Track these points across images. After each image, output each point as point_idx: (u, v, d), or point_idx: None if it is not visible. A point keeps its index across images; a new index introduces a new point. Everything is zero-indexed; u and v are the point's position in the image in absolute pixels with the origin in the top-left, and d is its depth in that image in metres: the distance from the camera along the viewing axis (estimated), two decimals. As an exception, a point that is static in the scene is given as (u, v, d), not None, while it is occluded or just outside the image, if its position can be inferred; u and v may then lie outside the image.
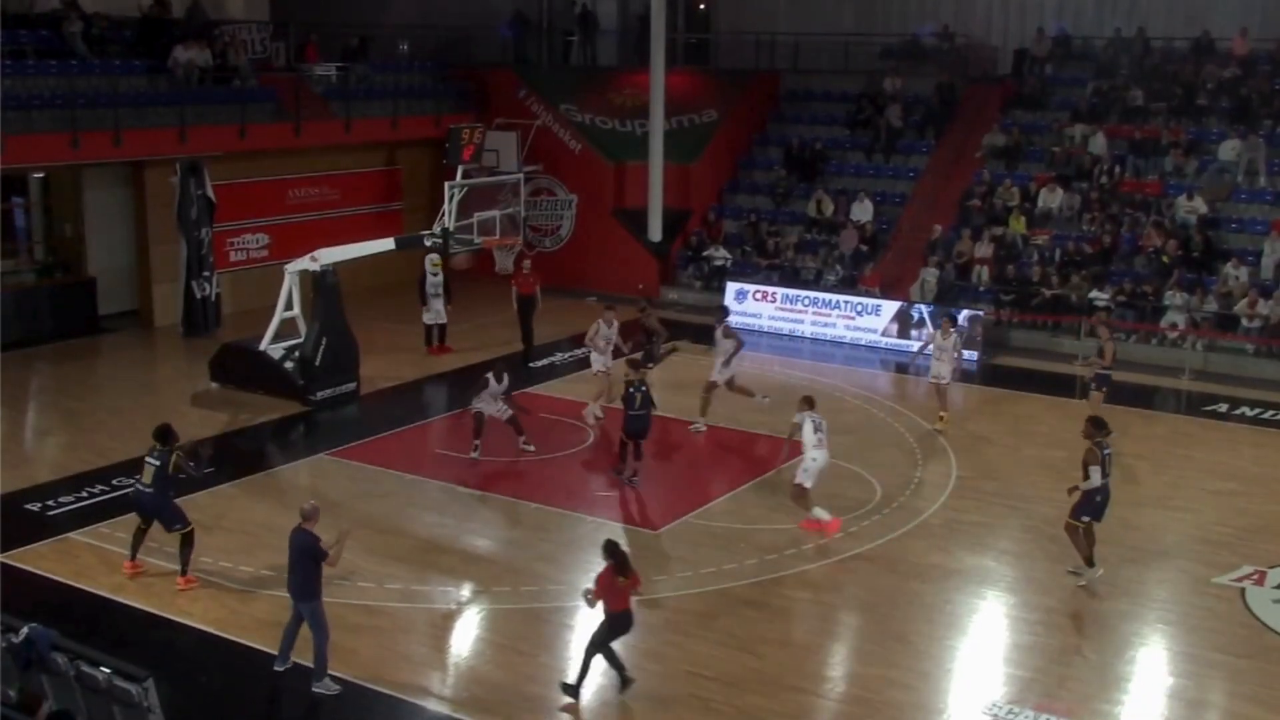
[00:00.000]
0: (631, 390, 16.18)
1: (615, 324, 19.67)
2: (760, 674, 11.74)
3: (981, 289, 25.04)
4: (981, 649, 12.46)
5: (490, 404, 17.24)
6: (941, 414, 19.15)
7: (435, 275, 22.56)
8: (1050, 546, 14.79)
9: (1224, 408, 20.55)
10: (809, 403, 15.20)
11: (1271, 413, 20.24)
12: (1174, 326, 22.98)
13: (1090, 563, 13.66)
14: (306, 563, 11.18)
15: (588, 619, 13.03)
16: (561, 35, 34.65)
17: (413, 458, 17.42)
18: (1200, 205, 24.76)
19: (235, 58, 25.62)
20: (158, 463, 13.07)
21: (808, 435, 14.89)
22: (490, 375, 17.29)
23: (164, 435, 13.22)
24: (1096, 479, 13.34)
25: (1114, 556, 14.50)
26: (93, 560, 13.82)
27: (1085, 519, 13.60)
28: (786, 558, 14.23)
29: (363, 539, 14.51)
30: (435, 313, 22.95)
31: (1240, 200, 25.39)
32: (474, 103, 29.96)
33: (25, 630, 9.46)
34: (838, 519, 14.95)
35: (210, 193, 24.21)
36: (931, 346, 19.24)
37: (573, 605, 13.25)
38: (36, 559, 13.70)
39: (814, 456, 14.89)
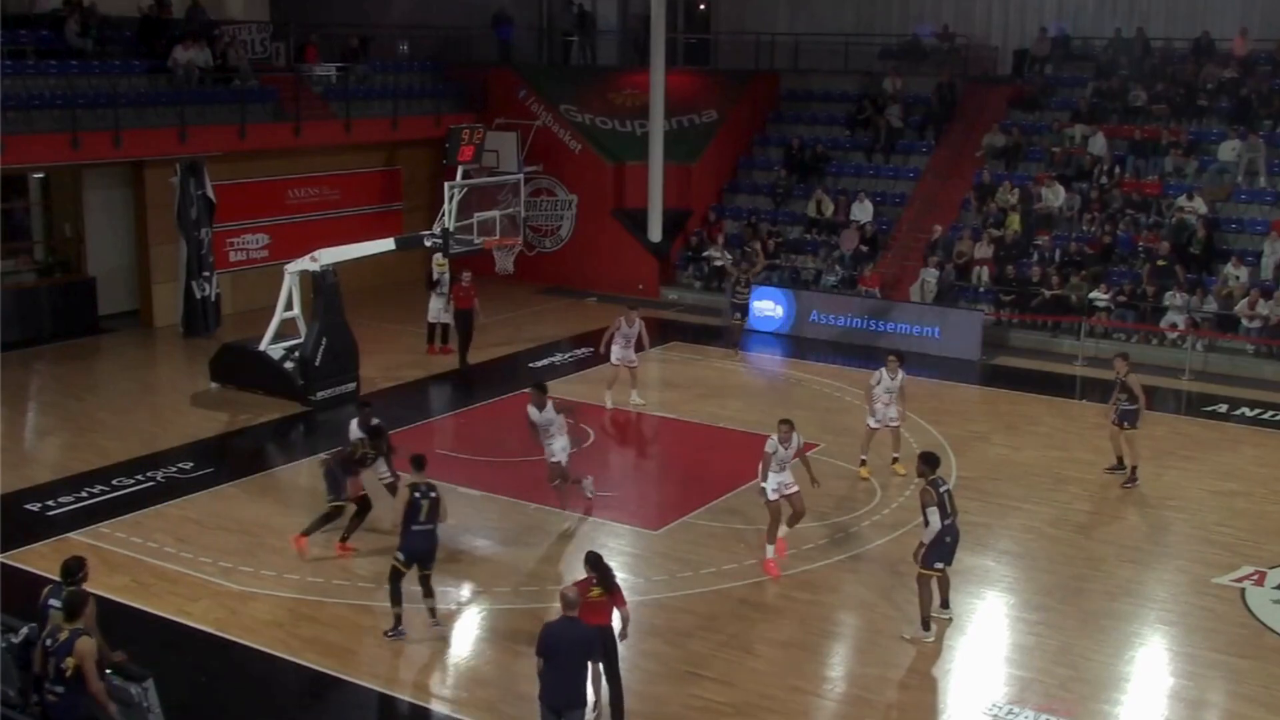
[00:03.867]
0: (418, 496, 12.19)
1: (638, 323, 19.61)
2: (760, 674, 11.74)
3: (981, 289, 25.05)
4: (981, 649, 12.45)
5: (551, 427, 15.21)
6: (895, 456, 17.10)
7: (443, 274, 22.61)
8: (1050, 546, 14.81)
9: (1224, 408, 20.55)
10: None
11: (1271, 413, 20.25)
12: (1174, 327, 22.98)
13: (926, 625, 12.41)
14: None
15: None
16: (561, 35, 34.69)
17: (413, 458, 17.39)
18: (1200, 205, 24.76)
19: (235, 58, 25.61)
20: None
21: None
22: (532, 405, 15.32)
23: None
24: (936, 522, 12.10)
25: (1114, 556, 14.53)
26: (93, 560, 13.71)
27: (939, 566, 12.40)
28: (786, 558, 14.22)
29: (363, 539, 14.51)
30: (436, 311, 22.96)
31: (1240, 200, 25.39)
32: (474, 103, 29.97)
33: (25, 630, 9.47)
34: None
35: (210, 193, 24.19)
36: (879, 389, 16.92)
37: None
38: (36, 559, 13.69)
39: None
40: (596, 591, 10.49)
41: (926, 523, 12.24)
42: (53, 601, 9.72)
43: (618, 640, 10.73)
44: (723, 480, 16.81)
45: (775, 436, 13.75)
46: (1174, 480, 17.17)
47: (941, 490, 12.37)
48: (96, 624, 9.69)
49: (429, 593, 12.28)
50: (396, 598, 12.18)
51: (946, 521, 12.27)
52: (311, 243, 21.25)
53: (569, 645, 9.59)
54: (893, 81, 30.09)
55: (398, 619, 12.21)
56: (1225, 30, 28.12)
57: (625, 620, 10.71)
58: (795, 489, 13.93)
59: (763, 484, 13.81)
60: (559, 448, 15.30)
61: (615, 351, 19.61)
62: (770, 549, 13.97)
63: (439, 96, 29.51)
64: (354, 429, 14.62)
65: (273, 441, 18.61)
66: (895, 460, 17.09)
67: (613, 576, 10.62)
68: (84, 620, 9.51)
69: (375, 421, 14.59)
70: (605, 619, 10.56)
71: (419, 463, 12.37)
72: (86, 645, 8.97)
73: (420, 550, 12.12)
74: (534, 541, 14.85)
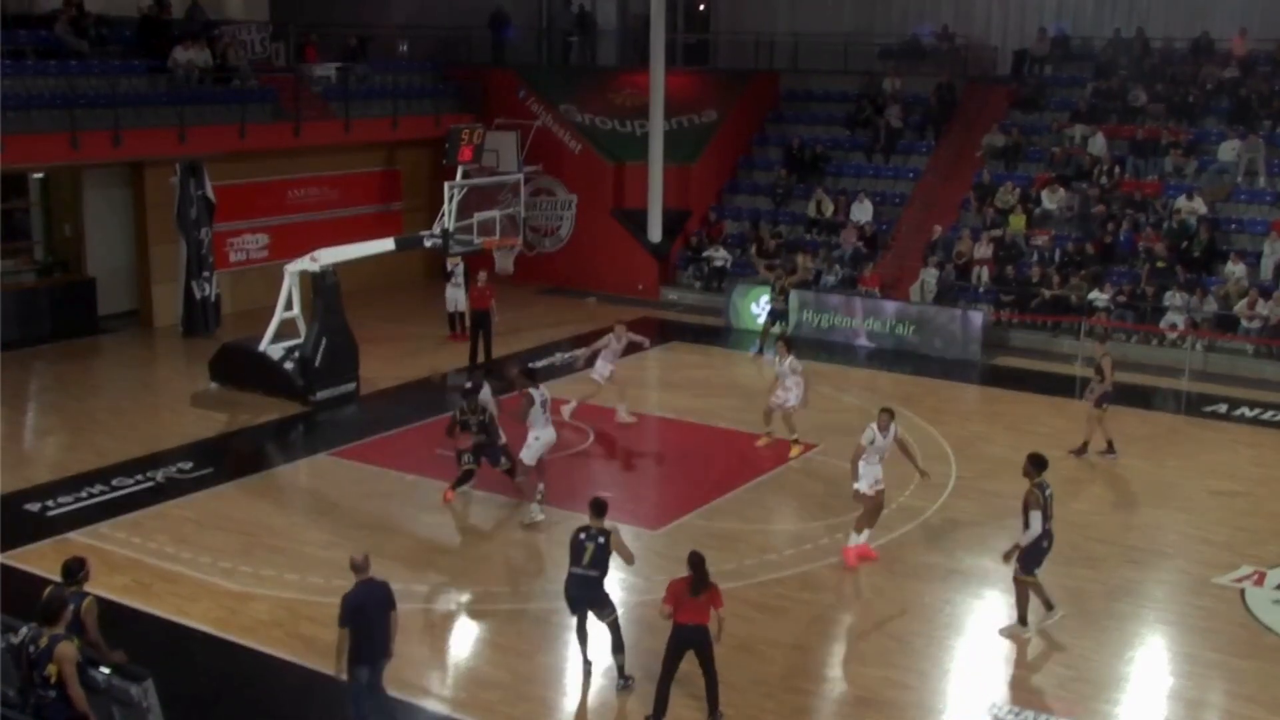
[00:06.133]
0: (583, 538, 11.33)
1: (625, 339, 18.95)
2: (760, 674, 11.75)
3: (981, 289, 25.05)
4: (981, 649, 12.46)
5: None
6: (795, 437, 17.71)
7: (457, 265, 22.90)
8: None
9: (1224, 408, 20.55)
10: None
11: (1271, 413, 20.25)
12: (1174, 327, 22.99)
13: (1024, 621, 12.50)
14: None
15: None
16: (561, 35, 34.69)
17: (413, 458, 17.41)
18: (1200, 206, 24.77)
19: (235, 58, 25.61)
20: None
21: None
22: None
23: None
24: (1038, 525, 12.14)
25: (1114, 556, 14.53)
26: (93, 560, 13.76)
27: (1036, 571, 12.45)
28: (786, 558, 14.24)
29: (363, 539, 14.51)
30: (453, 300, 23.54)
31: (1240, 200, 25.40)
32: (474, 103, 29.96)
33: (25, 630, 9.46)
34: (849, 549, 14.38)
35: (210, 193, 24.20)
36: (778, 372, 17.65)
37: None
38: (37, 559, 13.69)
39: (537, 435, 15.27)
40: (696, 595, 10.51)
41: (1027, 525, 12.20)
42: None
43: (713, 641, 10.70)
44: (722, 480, 16.83)
45: (874, 425, 13.95)
46: (1174, 480, 17.19)
47: (1046, 494, 12.28)
48: (98, 624, 9.69)
49: (616, 646, 11.44)
50: (580, 638, 11.68)
51: (1046, 526, 12.23)
52: (311, 243, 21.26)
53: (372, 605, 10.07)
54: (892, 81, 30.11)
55: (586, 662, 11.74)
56: (1225, 30, 28.15)
57: (720, 622, 10.69)
58: (882, 485, 14.07)
59: (856, 484, 14.00)
60: (541, 439, 15.34)
61: (600, 366, 18.83)
62: (856, 537, 14.11)
63: (439, 96, 29.51)
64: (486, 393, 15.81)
65: (272, 441, 18.62)
66: (795, 441, 17.73)
67: (708, 577, 10.61)
68: (86, 621, 9.51)
69: (467, 384, 15.93)
70: (703, 618, 10.58)
71: (598, 508, 11.48)
72: (66, 650, 8.92)
73: (574, 596, 11.36)
74: (534, 541, 14.84)
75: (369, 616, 10.04)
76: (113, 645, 9.69)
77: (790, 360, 17.51)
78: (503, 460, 15.61)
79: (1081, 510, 16.06)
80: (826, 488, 16.60)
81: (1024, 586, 12.45)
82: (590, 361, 19.17)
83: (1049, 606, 12.70)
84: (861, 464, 13.97)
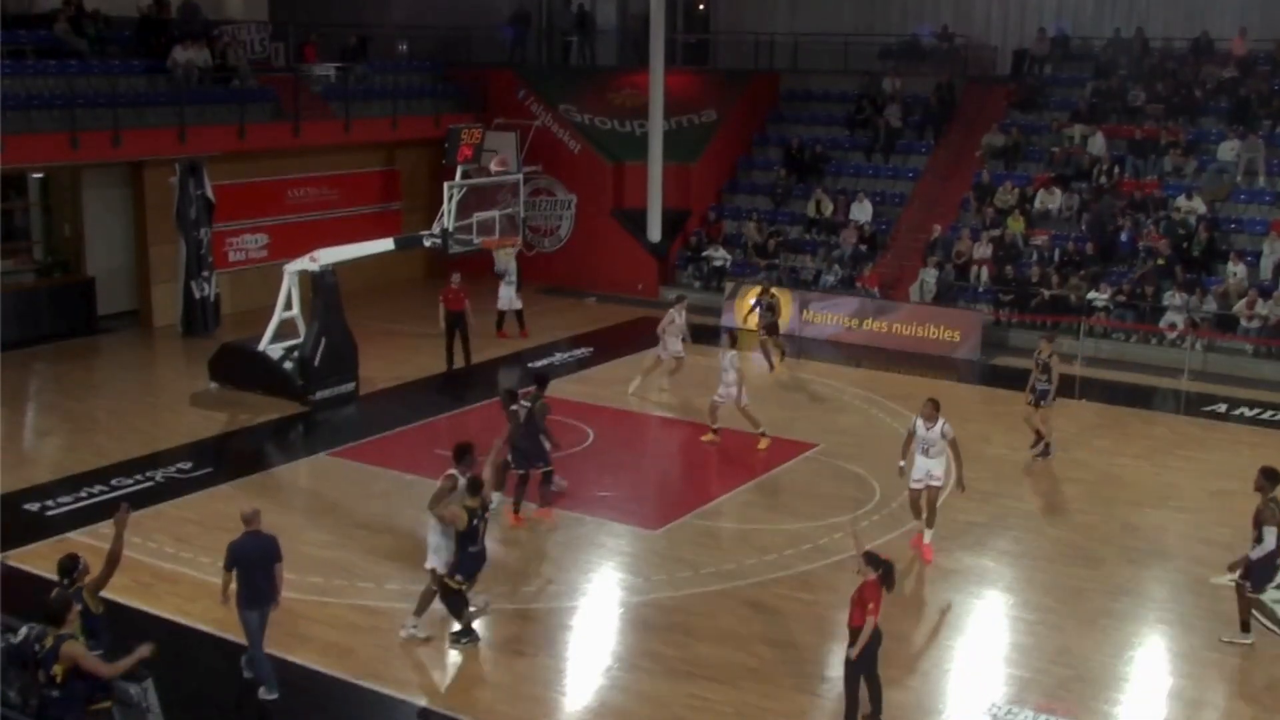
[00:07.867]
0: (476, 522, 11.82)
1: (684, 314, 20.59)
2: (760, 674, 11.74)
3: (981, 289, 25.05)
4: (981, 649, 12.45)
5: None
6: (763, 432, 17.95)
7: (509, 264, 23.14)
8: (1050, 546, 14.81)
9: (1223, 408, 20.56)
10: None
11: (1271, 413, 20.25)
12: (1173, 327, 22.99)
13: (1246, 628, 12.29)
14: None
15: (587, 620, 13.05)
16: (560, 35, 34.69)
17: (412, 458, 17.41)
18: (1199, 205, 24.78)
19: (234, 58, 25.60)
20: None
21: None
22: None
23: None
24: (1272, 540, 11.78)
25: (1114, 556, 14.53)
26: (92, 560, 13.73)
27: (1266, 587, 12.15)
28: (786, 558, 14.23)
29: (363, 539, 14.52)
30: (506, 299, 23.87)
31: (1239, 200, 25.41)
32: (473, 103, 29.96)
33: (25, 630, 9.46)
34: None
35: (209, 193, 24.19)
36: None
37: (571, 605, 13.25)
38: (36, 559, 13.67)
39: None
40: (889, 591, 10.45)
41: (1260, 539, 11.98)
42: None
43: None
44: (723, 480, 16.83)
45: (919, 416, 14.06)
46: (1173, 480, 17.19)
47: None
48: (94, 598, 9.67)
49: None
50: (461, 610, 12.11)
51: None
52: (311, 243, 21.26)
53: (255, 555, 11.11)
54: (892, 81, 30.11)
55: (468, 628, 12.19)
56: (1224, 30, 28.15)
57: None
58: (937, 482, 14.05)
59: (901, 463, 14.30)
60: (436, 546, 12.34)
61: (672, 344, 20.45)
62: (928, 532, 14.28)
63: (439, 96, 29.50)
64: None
65: (272, 441, 18.61)
66: (764, 435, 17.92)
67: (893, 572, 10.55)
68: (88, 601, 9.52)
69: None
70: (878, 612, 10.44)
71: (475, 487, 11.93)
72: (73, 649, 8.93)
73: (478, 569, 12.08)
74: (534, 541, 14.83)
75: (252, 564, 11.05)
76: (113, 645, 9.67)
77: (732, 355, 17.81)
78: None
79: (1082, 510, 16.08)
80: (826, 488, 16.61)
81: (1245, 593, 12.19)
82: (662, 338, 20.48)
83: (1245, 628, 12.40)
84: (918, 456, 14.07)
